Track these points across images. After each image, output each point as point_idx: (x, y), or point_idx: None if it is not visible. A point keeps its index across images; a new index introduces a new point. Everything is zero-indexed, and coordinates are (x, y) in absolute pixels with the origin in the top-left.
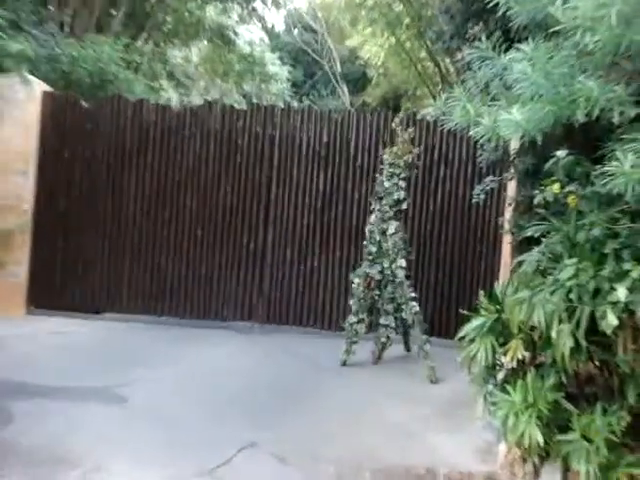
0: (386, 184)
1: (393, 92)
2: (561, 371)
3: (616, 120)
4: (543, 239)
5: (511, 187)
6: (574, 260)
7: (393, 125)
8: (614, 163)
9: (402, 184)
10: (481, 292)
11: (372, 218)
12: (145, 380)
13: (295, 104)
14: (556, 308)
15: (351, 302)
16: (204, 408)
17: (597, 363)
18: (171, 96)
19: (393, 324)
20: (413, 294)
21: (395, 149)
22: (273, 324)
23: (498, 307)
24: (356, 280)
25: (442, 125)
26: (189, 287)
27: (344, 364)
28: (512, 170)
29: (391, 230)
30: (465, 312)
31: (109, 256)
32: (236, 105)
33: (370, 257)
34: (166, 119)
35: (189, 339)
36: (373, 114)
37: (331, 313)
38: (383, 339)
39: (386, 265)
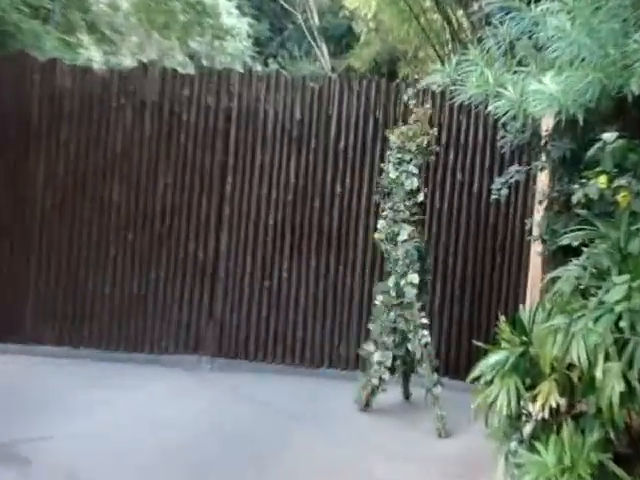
0: (393, 174)
1: (388, 54)
2: (608, 424)
3: None
4: (584, 249)
5: (542, 180)
6: (626, 277)
7: (405, 98)
8: None
9: (414, 170)
10: (502, 317)
11: (380, 223)
12: (55, 435)
13: (259, 68)
14: (602, 340)
15: (371, 327)
16: (129, 474)
17: None
18: (93, 55)
19: (389, 362)
20: (425, 319)
21: (405, 129)
22: (227, 358)
23: (524, 338)
24: (379, 297)
25: (452, 98)
26: (116, 309)
27: (367, 406)
28: (544, 158)
29: (403, 236)
30: (480, 344)
31: (9, 266)
32: (180, 69)
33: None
34: (86, 86)
35: (115, 378)
36: (362, 82)
37: (305, 342)
38: (375, 380)
39: (392, 282)
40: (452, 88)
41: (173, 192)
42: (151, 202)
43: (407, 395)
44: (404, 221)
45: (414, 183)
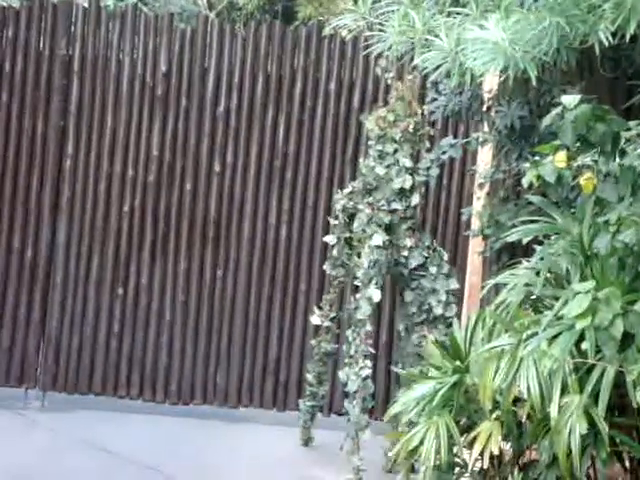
0: (379, 170)
1: None
2: (566, 476)
3: None
4: (538, 247)
5: (484, 157)
6: (590, 284)
7: (378, 71)
8: None
9: (406, 162)
10: (429, 336)
11: (355, 224)
12: None
13: (110, 2)
14: (558, 367)
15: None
16: None
17: (627, 463)
18: None
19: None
20: (370, 348)
21: (384, 112)
22: (64, 392)
23: (459, 364)
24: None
25: (367, 47)
26: None
27: None
28: (486, 128)
29: (376, 241)
30: (400, 371)
31: None
32: (0, 0)
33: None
34: None
35: None
36: (248, 25)
37: (170, 370)
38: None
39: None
40: (367, 34)
41: None
42: None
43: (307, 440)
44: (380, 225)
45: (406, 181)
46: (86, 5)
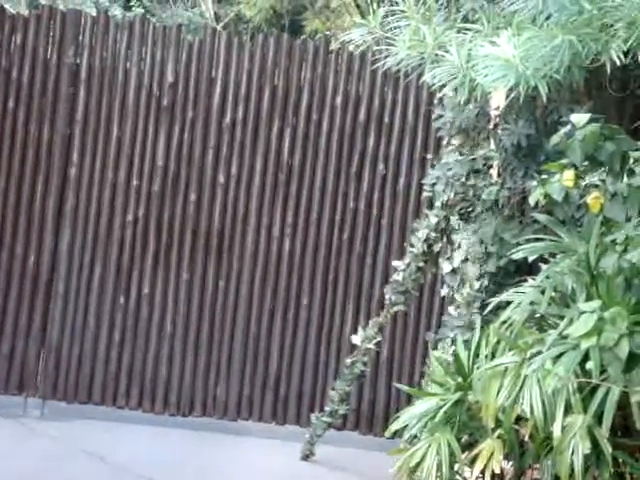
0: (457, 169)
1: (291, 2)
2: None
3: None
4: (543, 265)
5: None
6: (595, 304)
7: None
8: None
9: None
10: (433, 353)
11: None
12: None
13: (118, 12)
14: (562, 386)
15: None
16: None
17: None
18: None
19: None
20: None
21: None
22: (64, 401)
23: (462, 381)
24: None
25: (375, 62)
26: None
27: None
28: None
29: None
30: (403, 387)
31: None
32: (8, 6)
33: None
34: None
35: None
36: (256, 38)
37: (170, 381)
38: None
39: None
40: (376, 49)
41: None
42: None
43: (308, 455)
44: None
45: (492, 192)
46: (94, 14)
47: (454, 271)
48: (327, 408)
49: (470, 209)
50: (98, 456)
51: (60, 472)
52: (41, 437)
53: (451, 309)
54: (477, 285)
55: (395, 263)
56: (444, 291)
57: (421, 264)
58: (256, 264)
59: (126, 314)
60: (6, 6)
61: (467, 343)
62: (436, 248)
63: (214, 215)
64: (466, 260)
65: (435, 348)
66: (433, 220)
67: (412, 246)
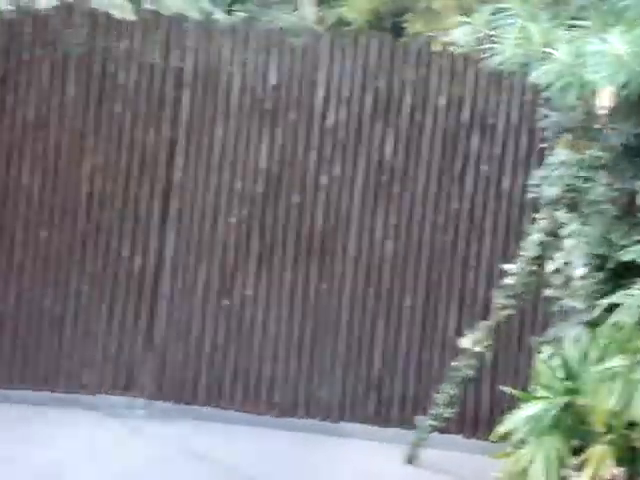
0: (564, 170)
1: (393, 3)
2: None
3: None
4: None
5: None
6: None
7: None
8: None
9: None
10: (540, 356)
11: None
12: None
13: (220, 17)
14: None
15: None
16: None
17: None
18: None
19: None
20: None
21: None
22: (169, 401)
23: (570, 384)
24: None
25: (479, 62)
26: (20, 333)
27: None
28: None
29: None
30: (509, 390)
31: None
32: (116, 13)
33: None
34: None
35: (17, 427)
36: (358, 40)
37: (273, 382)
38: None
39: None
40: (480, 48)
41: (103, 177)
42: (73, 190)
43: (412, 458)
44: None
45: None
46: (198, 18)
47: (558, 271)
48: (432, 411)
49: (577, 210)
50: (203, 456)
51: (166, 472)
52: (147, 437)
53: (557, 311)
54: (584, 286)
55: (506, 266)
56: (549, 292)
57: (534, 268)
58: (358, 266)
59: (230, 315)
60: (112, 12)
61: (575, 345)
62: (549, 252)
63: (316, 217)
64: (572, 261)
65: (539, 351)
66: (544, 223)
67: (524, 250)
